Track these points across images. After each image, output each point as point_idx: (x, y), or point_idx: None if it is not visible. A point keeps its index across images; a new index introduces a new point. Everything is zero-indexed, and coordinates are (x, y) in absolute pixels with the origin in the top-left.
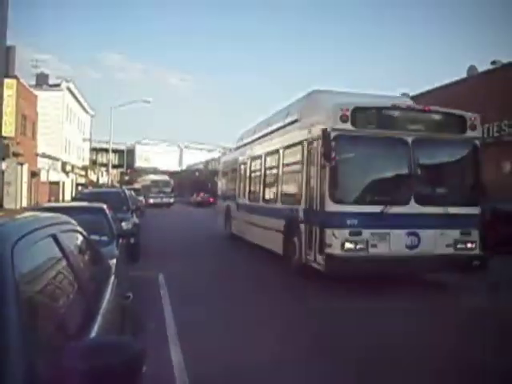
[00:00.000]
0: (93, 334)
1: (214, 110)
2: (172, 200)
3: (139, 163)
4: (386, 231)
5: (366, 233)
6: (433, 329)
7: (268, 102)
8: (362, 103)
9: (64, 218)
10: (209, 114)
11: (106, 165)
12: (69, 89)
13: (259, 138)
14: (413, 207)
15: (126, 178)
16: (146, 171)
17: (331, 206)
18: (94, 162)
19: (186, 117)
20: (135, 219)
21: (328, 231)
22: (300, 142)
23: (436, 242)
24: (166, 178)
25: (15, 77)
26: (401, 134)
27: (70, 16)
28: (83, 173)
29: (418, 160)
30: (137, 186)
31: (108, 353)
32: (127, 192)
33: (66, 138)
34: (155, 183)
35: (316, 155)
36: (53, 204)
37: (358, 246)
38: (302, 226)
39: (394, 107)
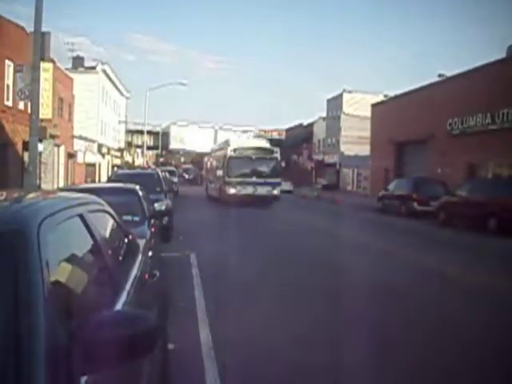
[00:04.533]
0: (113, 309)
1: (248, 92)
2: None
3: (174, 145)
4: (245, 186)
5: (238, 186)
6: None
7: (300, 88)
8: (238, 146)
9: (92, 198)
10: (243, 95)
11: (141, 146)
12: (104, 71)
13: (215, 151)
14: (254, 179)
15: (161, 159)
16: (180, 152)
17: (227, 179)
18: (129, 144)
19: (221, 98)
20: (168, 200)
21: (226, 186)
22: (223, 156)
23: (262, 190)
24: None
25: (51, 60)
26: (251, 155)
27: None
28: (119, 154)
29: (256, 164)
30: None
31: (122, 324)
32: (161, 173)
33: (102, 120)
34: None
35: (224, 162)
36: (86, 185)
37: (235, 191)
38: (222, 186)
39: (248, 147)
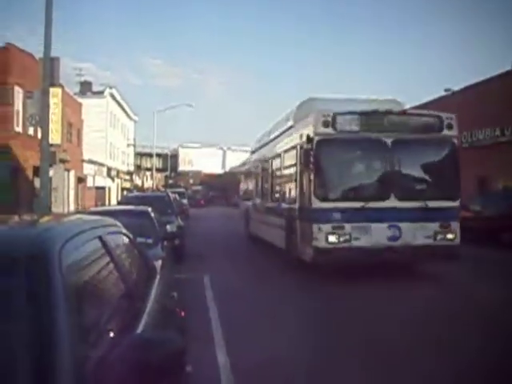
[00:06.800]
0: (138, 332)
1: (255, 112)
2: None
3: (182, 167)
4: (367, 224)
5: (348, 226)
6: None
7: None
8: (343, 110)
9: (109, 220)
10: (250, 115)
11: (150, 169)
12: (112, 95)
13: (267, 143)
14: (392, 202)
15: (170, 181)
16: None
17: (316, 203)
18: (138, 167)
19: (228, 119)
20: (180, 221)
21: (314, 226)
22: (294, 147)
23: (416, 233)
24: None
25: (60, 86)
26: (380, 135)
27: (109, 23)
28: (128, 177)
29: (397, 159)
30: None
31: (152, 347)
32: (171, 195)
33: (110, 143)
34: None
35: (306, 158)
36: (99, 208)
37: (341, 239)
38: (298, 223)
39: (373, 112)
